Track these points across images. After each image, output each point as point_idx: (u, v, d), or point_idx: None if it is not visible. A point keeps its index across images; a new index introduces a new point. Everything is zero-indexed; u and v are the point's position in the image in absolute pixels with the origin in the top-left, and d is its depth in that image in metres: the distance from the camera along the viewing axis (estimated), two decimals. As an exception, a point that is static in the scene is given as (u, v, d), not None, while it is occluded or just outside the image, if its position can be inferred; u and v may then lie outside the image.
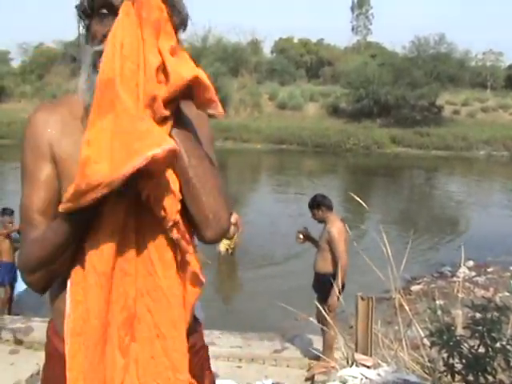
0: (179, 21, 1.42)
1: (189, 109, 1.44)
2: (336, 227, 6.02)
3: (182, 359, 1.41)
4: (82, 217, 1.34)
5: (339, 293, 5.68)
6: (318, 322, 5.65)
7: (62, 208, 1.32)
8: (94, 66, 1.38)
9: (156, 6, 1.31)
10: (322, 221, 6.20)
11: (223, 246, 11.07)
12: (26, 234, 1.48)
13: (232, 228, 10.49)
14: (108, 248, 1.35)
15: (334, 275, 5.88)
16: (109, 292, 1.37)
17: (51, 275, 1.45)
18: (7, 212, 8.79)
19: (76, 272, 1.42)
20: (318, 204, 6.18)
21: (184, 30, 1.46)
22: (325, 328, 5.58)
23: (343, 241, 5.99)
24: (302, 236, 6.37)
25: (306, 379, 6.25)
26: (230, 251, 11.35)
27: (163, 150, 1.21)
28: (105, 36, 1.35)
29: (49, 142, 1.47)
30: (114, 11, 1.35)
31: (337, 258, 5.92)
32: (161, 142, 1.22)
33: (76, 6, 1.43)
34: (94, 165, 1.23)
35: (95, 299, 1.36)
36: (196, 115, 1.49)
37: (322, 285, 6.01)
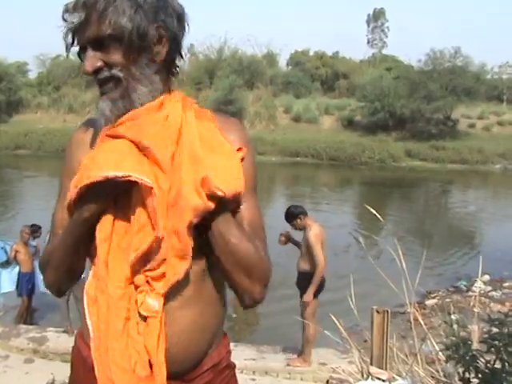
0: (124, 35, 1.43)
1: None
2: (313, 231, 6.44)
3: (123, 374, 1.41)
4: (80, 228, 1.48)
5: (319, 291, 6.41)
6: (302, 317, 6.36)
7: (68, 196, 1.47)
8: (101, 94, 1.48)
9: None
10: (303, 228, 6.58)
11: None
12: (49, 244, 1.63)
13: None
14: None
15: (312, 274, 6.36)
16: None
17: (59, 281, 1.61)
18: (34, 228, 9.15)
19: (90, 288, 1.49)
20: (295, 215, 6.55)
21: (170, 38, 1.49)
22: (306, 321, 6.29)
23: (320, 243, 6.42)
24: (283, 238, 6.82)
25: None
26: None
27: (117, 175, 1.35)
28: (84, 73, 1.47)
29: (79, 161, 1.53)
30: (85, 48, 1.46)
31: (315, 260, 6.36)
32: (129, 170, 1.36)
33: (66, 48, 1.51)
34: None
35: (113, 319, 1.44)
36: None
37: (302, 281, 6.52)
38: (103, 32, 1.41)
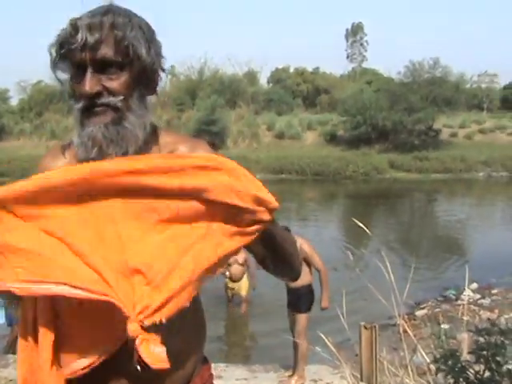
0: (140, 66, 1.44)
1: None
2: (305, 243, 6.42)
3: None
4: None
5: (310, 304, 6.45)
6: (293, 336, 6.40)
7: None
8: (81, 123, 1.43)
9: None
10: None
11: (229, 289, 10.23)
12: None
13: (239, 268, 9.89)
14: None
15: (304, 287, 6.35)
16: None
17: None
18: None
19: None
20: None
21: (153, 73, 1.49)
22: (298, 341, 6.26)
23: (315, 253, 6.48)
24: None
25: None
26: (233, 295, 10.31)
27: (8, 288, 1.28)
28: (80, 94, 1.41)
29: None
30: (83, 68, 1.40)
31: (316, 267, 6.45)
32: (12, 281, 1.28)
33: (50, 68, 1.46)
34: None
35: None
36: None
37: (301, 296, 6.43)
38: (116, 56, 1.39)
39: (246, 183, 1.32)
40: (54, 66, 1.45)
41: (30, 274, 1.26)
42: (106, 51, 1.39)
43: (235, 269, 9.87)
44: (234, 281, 10.05)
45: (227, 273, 9.94)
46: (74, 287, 1.24)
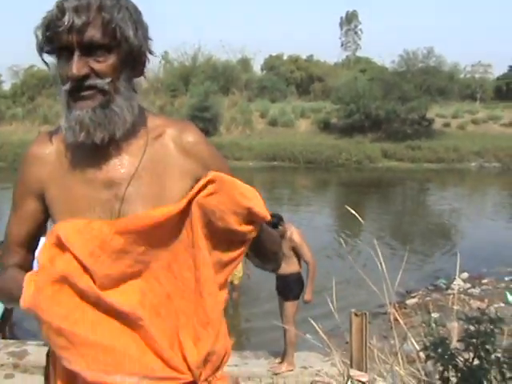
0: (128, 48, 1.43)
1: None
2: (296, 233, 6.51)
3: None
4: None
5: (300, 292, 6.45)
6: (282, 320, 6.40)
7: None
8: (68, 105, 1.42)
9: None
10: (284, 234, 6.53)
11: None
12: (4, 260, 1.61)
13: None
14: None
15: (294, 275, 6.45)
16: None
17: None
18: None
19: None
20: (276, 225, 6.48)
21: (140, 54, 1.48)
22: (286, 327, 6.29)
23: (305, 243, 6.53)
24: None
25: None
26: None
27: None
28: (67, 77, 1.39)
29: (38, 179, 1.54)
30: (70, 50, 1.39)
31: (305, 259, 6.48)
32: None
33: (37, 51, 1.44)
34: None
35: None
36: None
37: (290, 284, 6.48)
38: (103, 39, 1.38)
39: (239, 199, 1.37)
40: (41, 48, 1.43)
41: (101, 364, 1.34)
42: (94, 34, 1.37)
43: None
44: None
45: None
46: (146, 376, 1.35)
